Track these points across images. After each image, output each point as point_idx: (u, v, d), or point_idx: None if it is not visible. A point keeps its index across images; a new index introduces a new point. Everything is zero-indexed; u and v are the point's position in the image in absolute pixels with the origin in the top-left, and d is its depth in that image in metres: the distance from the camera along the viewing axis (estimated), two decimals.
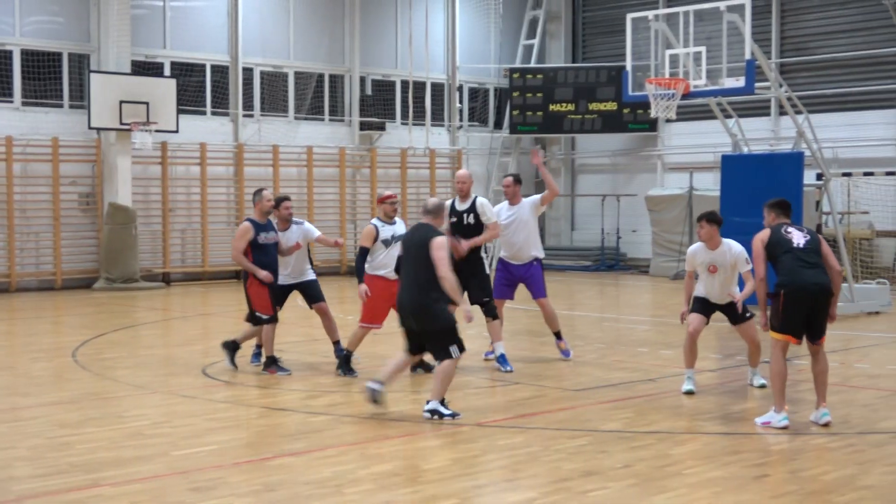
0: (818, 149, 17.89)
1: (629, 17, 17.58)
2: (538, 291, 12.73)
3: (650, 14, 17.27)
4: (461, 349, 9.58)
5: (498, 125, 30.53)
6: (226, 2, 25.57)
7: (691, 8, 16.76)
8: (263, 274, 11.73)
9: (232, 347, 12.30)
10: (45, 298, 21.44)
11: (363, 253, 11.56)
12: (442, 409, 9.48)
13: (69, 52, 23.52)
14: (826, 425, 9.17)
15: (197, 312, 19.52)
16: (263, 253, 11.81)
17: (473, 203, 12.31)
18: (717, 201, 17.81)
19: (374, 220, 11.77)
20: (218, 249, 25.33)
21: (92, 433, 9.04)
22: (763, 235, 9.40)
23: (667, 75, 16.60)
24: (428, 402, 9.57)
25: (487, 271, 12.43)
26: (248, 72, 26.00)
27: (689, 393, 10.67)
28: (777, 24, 26.71)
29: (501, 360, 12.26)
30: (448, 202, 12.29)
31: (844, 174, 23.63)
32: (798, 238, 9.26)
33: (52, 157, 22.89)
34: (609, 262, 28.66)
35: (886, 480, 7.48)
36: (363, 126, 27.58)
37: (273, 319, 11.96)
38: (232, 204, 25.69)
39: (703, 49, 16.48)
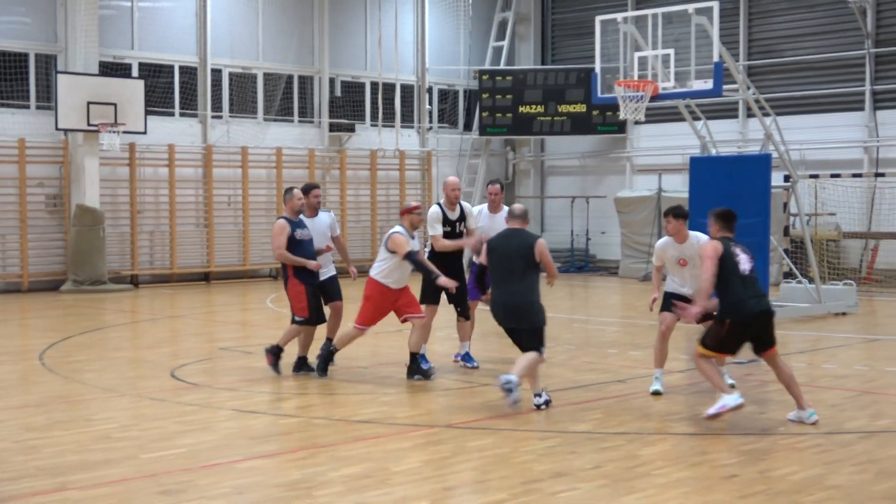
0: (786, 151, 18.00)
1: (598, 19, 17.64)
2: None
3: (619, 16, 17.32)
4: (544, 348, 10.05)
5: (467, 127, 30.55)
6: (194, 2, 25.47)
7: (660, 10, 16.82)
8: (313, 264, 11.67)
9: (301, 364, 12.08)
10: (12, 301, 21.27)
11: (412, 255, 11.28)
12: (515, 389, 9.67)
13: (36, 52, 23.35)
14: (815, 423, 9.25)
15: (165, 315, 19.43)
16: (301, 249, 11.71)
17: (462, 210, 12.31)
18: (686, 203, 17.86)
19: (401, 230, 11.46)
20: (187, 251, 25.24)
21: (59, 436, 8.98)
22: (717, 245, 9.42)
23: (635, 77, 16.65)
24: (509, 375, 9.69)
25: (465, 275, 12.43)
26: (216, 73, 25.91)
27: (657, 393, 10.71)
28: (745, 27, 26.87)
29: (467, 357, 12.35)
30: (436, 209, 12.25)
31: (812, 176, 23.81)
32: (745, 263, 9.37)
33: (18, 159, 22.72)
34: (578, 263, 28.74)
35: (854, 480, 7.53)
36: (333, 127, 27.54)
37: (308, 322, 11.79)
38: (201, 206, 25.58)
39: (671, 51, 16.53)
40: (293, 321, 11.88)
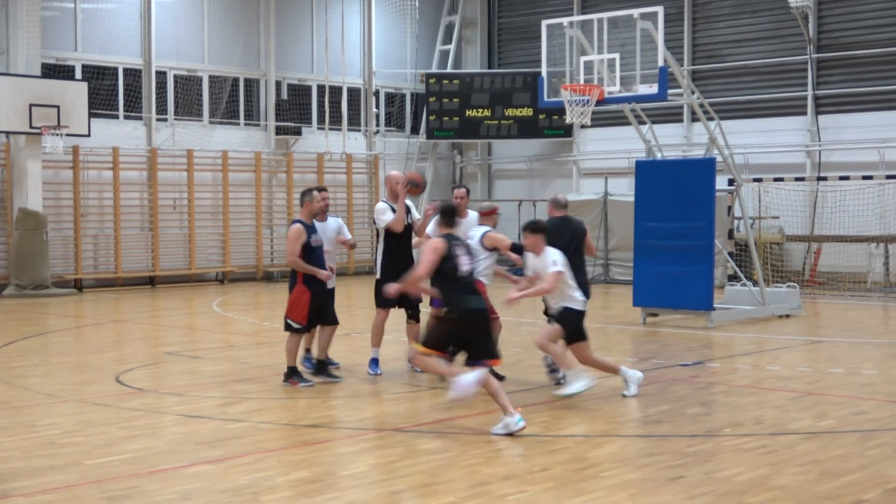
0: (730, 155, 18.17)
1: (544, 23, 17.70)
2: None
3: (565, 21, 17.39)
4: None
5: (415, 130, 30.56)
6: (138, 4, 25.25)
7: (605, 15, 16.92)
8: (324, 273, 11.40)
9: (321, 368, 11.82)
10: None
11: (517, 245, 11.43)
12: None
13: None
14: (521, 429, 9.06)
15: (110, 319, 19.22)
16: (314, 256, 11.42)
17: (406, 205, 12.33)
18: (632, 206, 18.00)
19: (491, 229, 11.63)
20: (131, 255, 25.01)
21: (2, 443, 8.85)
22: (440, 242, 9.37)
23: (581, 82, 16.73)
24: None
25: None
26: (161, 75, 25.71)
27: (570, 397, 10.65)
28: (689, 32, 27.12)
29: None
30: (382, 203, 12.29)
31: (755, 180, 24.07)
32: (465, 265, 9.37)
33: None
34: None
35: (798, 480, 7.62)
36: (279, 131, 27.43)
37: (303, 330, 11.47)
38: (146, 209, 25.36)
39: (616, 56, 16.64)
40: (288, 327, 11.43)
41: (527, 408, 10.31)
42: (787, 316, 18.19)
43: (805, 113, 25.32)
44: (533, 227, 10.58)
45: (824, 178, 24.02)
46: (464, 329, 9.25)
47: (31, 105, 22.24)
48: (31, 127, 22.30)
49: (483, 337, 9.35)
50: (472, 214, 12.97)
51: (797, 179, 24.14)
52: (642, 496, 7.27)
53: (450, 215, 9.62)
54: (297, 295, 11.42)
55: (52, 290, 22.76)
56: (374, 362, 12.26)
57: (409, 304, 12.08)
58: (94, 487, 7.47)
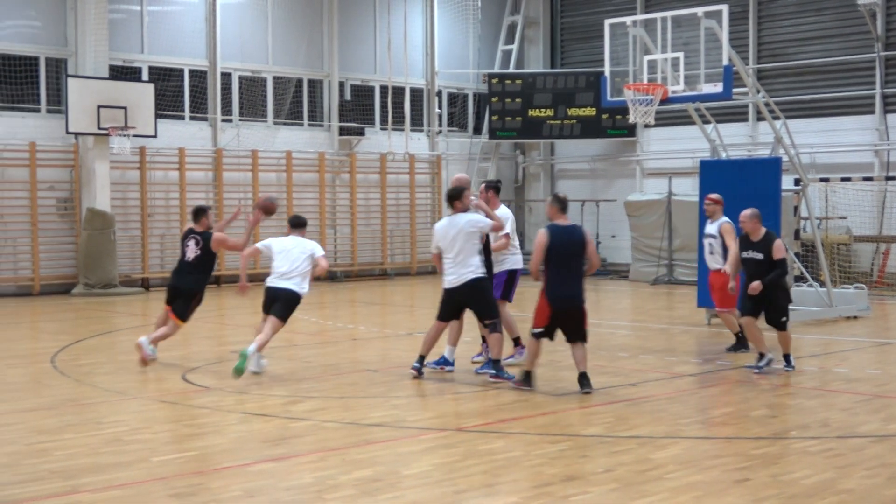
0: (796, 154, 17.95)
1: (607, 22, 17.61)
2: (501, 295, 12.81)
3: (628, 20, 17.29)
4: None
5: (477, 130, 30.54)
6: (203, 6, 25.51)
7: (669, 14, 16.80)
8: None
9: (527, 379, 11.35)
10: (23, 304, 21.31)
11: None
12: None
13: (46, 56, 23.39)
14: None
15: None
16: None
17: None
18: (696, 206, 17.84)
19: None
20: None
21: (70, 439, 8.99)
22: None
23: (645, 81, 16.62)
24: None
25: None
26: (226, 76, 25.93)
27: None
28: (754, 30, 26.83)
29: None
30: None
31: (822, 179, 23.75)
32: (190, 250, 13.00)
33: (29, 162, 22.76)
34: None
35: (866, 484, 7.51)
36: (342, 131, 27.56)
37: (545, 334, 11.15)
38: (211, 209, 25.53)
39: (680, 55, 16.51)
40: (535, 335, 11.12)
41: (589, 409, 10.28)
42: (855, 317, 17.94)
43: (873, 112, 24.94)
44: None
45: (893, 178, 23.65)
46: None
47: (99, 106, 22.57)
48: (99, 128, 22.63)
49: (183, 303, 13.37)
50: (503, 209, 12.80)
51: (865, 179, 23.79)
52: (707, 498, 7.20)
53: (196, 213, 13.06)
54: (542, 301, 11.05)
55: (119, 289, 23.07)
56: (444, 360, 12.17)
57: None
58: (160, 484, 7.55)
